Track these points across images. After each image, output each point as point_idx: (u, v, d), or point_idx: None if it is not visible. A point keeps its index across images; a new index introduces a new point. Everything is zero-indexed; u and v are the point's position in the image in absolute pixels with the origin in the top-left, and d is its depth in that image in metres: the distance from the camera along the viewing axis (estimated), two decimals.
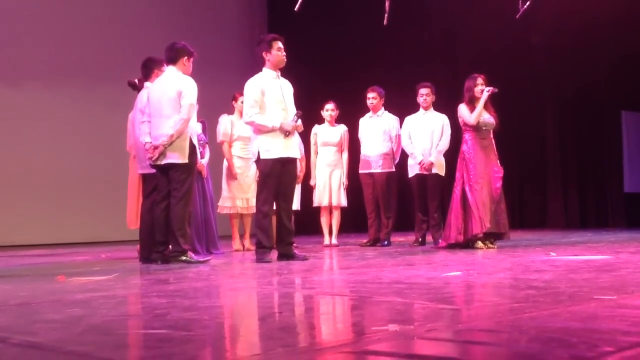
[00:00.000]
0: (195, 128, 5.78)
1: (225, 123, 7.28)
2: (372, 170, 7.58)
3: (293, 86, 5.88)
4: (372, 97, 7.65)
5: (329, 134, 7.67)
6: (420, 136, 7.38)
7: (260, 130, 5.61)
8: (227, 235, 7.97)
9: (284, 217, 5.70)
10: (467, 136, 6.53)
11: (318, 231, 8.18)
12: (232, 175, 7.22)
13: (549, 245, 6.56)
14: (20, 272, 5.36)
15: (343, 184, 7.65)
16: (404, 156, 7.61)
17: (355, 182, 7.87)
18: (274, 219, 5.86)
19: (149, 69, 6.04)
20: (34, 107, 10.39)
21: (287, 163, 5.67)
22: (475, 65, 8.69)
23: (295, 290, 3.76)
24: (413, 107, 7.57)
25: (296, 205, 6.80)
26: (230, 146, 7.27)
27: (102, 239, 10.35)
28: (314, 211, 7.98)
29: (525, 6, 7.99)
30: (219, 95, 8.73)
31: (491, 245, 6.36)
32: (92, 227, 10.53)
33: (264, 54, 5.73)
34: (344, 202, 7.68)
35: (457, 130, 6.99)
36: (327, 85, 10.87)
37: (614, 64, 10.81)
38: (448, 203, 6.71)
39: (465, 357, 1.95)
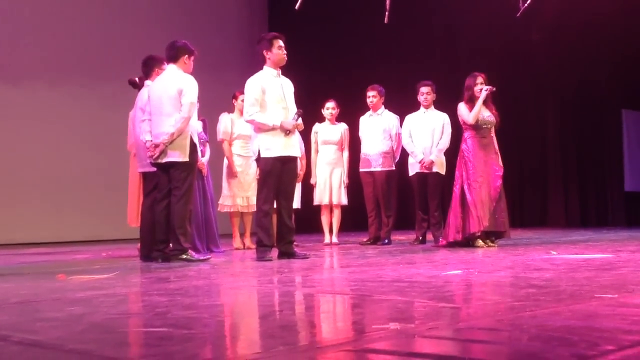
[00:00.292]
0: (195, 126, 5.78)
1: (225, 121, 7.28)
2: (372, 169, 7.58)
3: (294, 84, 5.87)
4: (372, 96, 7.64)
5: (329, 132, 7.68)
6: (420, 135, 7.37)
7: (260, 128, 5.61)
8: (227, 234, 7.98)
9: (285, 216, 5.70)
10: (467, 135, 6.54)
11: (318, 230, 8.18)
12: (232, 174, 7.22)
13: (549, 244, 6.56)
14: (21, 271, 5.36)
15: (343, 182, 7.66)
16: (405, 155, 7.61)
17: (355, 180, 7.87)
18: (274, 218, 5.86)
19: (149, 67, 6.04)
20: (35, 106, 10.39)
21: (287, 161, 5.67)
22: (476, 63, 8.69)
23: (296, 289, 3.76)
24: (414, 106, 7.57)
25: (297, 203, 6.80)
26: (230, 144, 7.26)
27: (102, 237, 10.35)
28: (314, 210, 7.98)
29: (526, 4, 7.98)
30: (219, 94, 8.74)
31: (492, 244, 6.36)
32: (93, 225, 10.53)
33: (264, 52, 5.73)
34: (344, 201, 7.68)
35: (457, 129, 6.99)
36: (328, 83, 10.87)
37: (614, 63, 10.81)
38: (448, 202, 6.71)
39: (466, 356, 1.94)
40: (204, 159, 6.67)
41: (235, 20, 12.69)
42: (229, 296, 3.60)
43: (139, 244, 6.00)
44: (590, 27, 10.43)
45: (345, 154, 7.71)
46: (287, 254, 5.64)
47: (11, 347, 2.17)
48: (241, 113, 6.70)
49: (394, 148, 7.62)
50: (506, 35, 10.71)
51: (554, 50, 11.11)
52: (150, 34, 10.63)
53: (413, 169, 7.47)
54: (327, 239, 7.73)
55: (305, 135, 7.33)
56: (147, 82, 5.95)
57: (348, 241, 8.10)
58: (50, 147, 10.45)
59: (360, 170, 7.71)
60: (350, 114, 8.06)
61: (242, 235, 7.48)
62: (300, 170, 7.05)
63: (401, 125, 7.56)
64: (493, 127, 6.59)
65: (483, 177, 6.36)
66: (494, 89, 6.54)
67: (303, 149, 7.28)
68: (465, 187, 6.36)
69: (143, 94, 5.86)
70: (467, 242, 6.34)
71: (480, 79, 6.58)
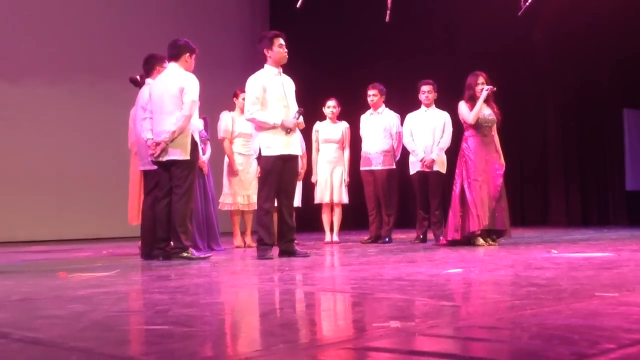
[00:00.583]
0: (197, 125, 5.78)
1: (226, 120, 7.28)
2: (373, 168, 7.58)
3: (295, 83, 5.87)
4: (372, 94, 7.64)
5: (330, 131, 7.68)
6: (421, 133, 7.37)
7: (261, 127, 5.61)
8: (228, 232, 7.98)
9: (285, 214, 5.71)
10: (467, 133, 6.53)
11: (319, 228, 8.19)
12: (233, 172, 7.22)
13: (550, 243, 6.56)
14: (22, 268, 5.37)
15: (344, 181, 7.66)
16: (406, 153, 7.60)
17: (356, 179, 7.88)
18: (275, 216, 5.87)
19: (150, 66, 6.04)
20: (36, 104, 10.40)
21: (288, 160, 5.67)
22: (477, 62, 8.66)
23: (297, 287, 3.76)
24: (415, 104, 7.56)
25: (297, 202, 6.81)
26: (231, 143, 7.27)
27: (103, 235, 10.37)
28: (315, 208, 7.99)
29: (527, 3, 7.97)
30: (220, 92, 8.74)
31: (492, 243, 6.36)
32: (94, 223, 10.54)
33: (265, 50, 5.73)
34: (345, 199, 7.69)
35: (458, 128, 6.99)
36: (329, 82, 10.86)
37: (616, 62, 10.79)
38: (449, 200, 6.70)
39: (467, 354, 1.95)
40: (204, 157, 6.68)
41: (237, 19, 12.70)
42: (230, 294, 3.60)
43: (139, 242, 6.01)
44: (591, 26, 10.41)
45: (346, 152, 7.71)
46: (287, 252, 5.64)
47: (12, 345, 2.17)
48: (242, 111, 6.70)
49: (395, 147, 7.62)
50: (507, 34, 10.68)
51: (555, 49, 11.09)
52: (151, 32, 10.63)
53: (414, 167, 7.46)
54: (327, 238, 7.73)
55: (306, 134, 7.32)
56: (148, 81, 5.96)
57: (349, 240, 8.10)
58: (52, 145, 10.46)
59: (361, 168, 7.71)
60: (351, 112, 8.06)
61: (242, 233, 7.49)
62: (301, 168, 7.05)
63: (402, 123, 7.56)
64: (494, 126, 6.59)
65: (484, 176, 6.36)
66: (495, 88, 6.53)
67: (304, 147, 7.28)
68: (466, 186, 6.36)
69: (144, 92, 5.87)
70: (468, 240, 6.34)
71: (481, 79, 6.57)
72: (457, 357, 1.91)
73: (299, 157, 6.03)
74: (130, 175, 6.48)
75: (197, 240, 6.35)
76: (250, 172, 7.19)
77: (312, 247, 7.00)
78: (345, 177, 7.67)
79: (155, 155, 5.57)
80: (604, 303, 2.69)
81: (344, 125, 7.75)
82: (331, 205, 7.71)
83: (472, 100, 6.52)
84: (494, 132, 6.60)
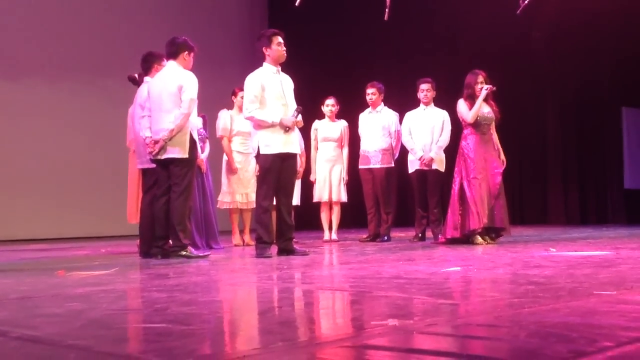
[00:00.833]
0: (195, 123, 5.77)
1: (224, 118, 7.27)
2: (372, 166, 7.58)
3: (293, 81, 5.87)
4: (371, 93, 7.64)
5: (329, 129, 7.68)
6: (420, 132, 7.37)
7: (260, 125, 5.61)
8: (226, 231, 7.98)
9: (284, 213, 5.71)
10: (466, 132, 6.54)
11: (318, 226, 8.18)
12: (231, 170, 7.22)
13: (548, 241, 6.56)
14: (21, 267, 5.37)
15: (343, 179, 7.66)
16: (404, 152, 7.60)
17: (355, 177, 7.88)
18: (274, 214, 5.86)
19: (148, 64, 6.03)
20: (34, 102, 10.39)
21: (287, 158, 5.67)
22: (476, 61, 8.66)
23: (295, 285, 3.76)
24: (413, 103, 7.56)
25: (296, 200, 6.81)
26: (229, 141, 7.26)
27: (102, 233, 10.35)
28: (314, 206, 7.99)
29: (526, 1, 7.97)
30: (219, 90, 8.73)
31: (491, 241, 6.37)
32: (92, 221, 10.54)
33: (264, 49, 5.72)
34: (344, 198, 7.69)
35: (457, 126, 6.99)
36: (328, 80, 10.86)
37: (615, 60, 10.79)
38: (448, 199, 6.71)
39: (465, 352, 1.95)
40: (203, 156, 6.68)
41: (235, 17, 12.69)
42: (228, 292, 3.60)
43: (138, 241, 6.00)
44: (590, 26, 10.41)
45: (345, 151, 7.71)
46: (286, 250, 5.64)
47: (10, 343, 2.17)
48: (240, 110, 6.70)
49: (394, 145, 7.62)
50: (506, 33, 10.68)
51: (554, 47, 11.09)
52: (149, 30, 10.62)
53: (413, 166, 7.46)
54: (326, 236, 7.73)
55: (305, 132, 7.32)
56: (147, 79, 5.95)
57: (347, 238, 8.10)
58: (50, 143, 10.45)
59: (360, 167, 7.71)
60: (350, 111, 8.05)
61: (241, 231, 7.49)
62: (300, 167, 7.05)
63: (401, 122, 7.56)
64: (493, 124, 6.59)
65: (483, 174, 6.36)
66: (494, 88, 6.53)
67: (303, 145, 7.28)
68: (465, 183, 6.36)
69: (142, 90, 5.86)
70: (467, 239, 6.35)
71: (480, 77, 6.57)
72: (455, 355, 1.91)
73: (298, 155, 6.02)
74: (128, 174, 6.48)
75: (195, 239, 6.35)
76: (249, 170, 7.18)
77: (311, 245, 7.01)
78: (344, 175, 7.67)
79: (153, 154, 5.56)
80: (602, 301, 2.69)
81: (342, 124, 7.74)
82: (330, 204, 7.71)
83: (471, 99, 6.52)
84: (493, 130, 6.60)
